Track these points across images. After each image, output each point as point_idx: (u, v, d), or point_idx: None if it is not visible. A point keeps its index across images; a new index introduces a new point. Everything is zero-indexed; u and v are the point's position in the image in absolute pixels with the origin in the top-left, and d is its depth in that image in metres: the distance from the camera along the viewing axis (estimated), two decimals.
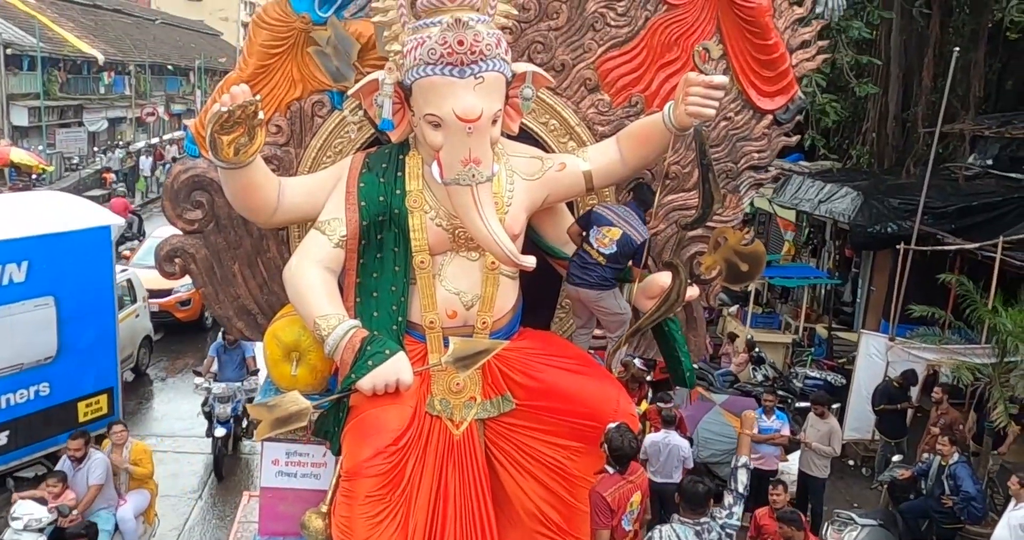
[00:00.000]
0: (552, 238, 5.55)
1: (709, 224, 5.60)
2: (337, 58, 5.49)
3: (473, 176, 4.67)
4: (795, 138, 6.15)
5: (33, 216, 10.05)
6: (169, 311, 16.94)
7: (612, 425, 4.76)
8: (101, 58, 38.46)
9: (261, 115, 4.64)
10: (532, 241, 5.55)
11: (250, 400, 10.88)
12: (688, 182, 5.79)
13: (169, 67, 51.23)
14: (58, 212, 10.57)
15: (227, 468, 10.95)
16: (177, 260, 5.86)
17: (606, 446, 4.74)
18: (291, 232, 5.77)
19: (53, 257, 9.62)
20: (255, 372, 11.17)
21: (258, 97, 4.60)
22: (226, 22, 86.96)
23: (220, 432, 10.71)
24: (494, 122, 4.74)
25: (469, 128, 4.61)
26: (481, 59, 4.60)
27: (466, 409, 5.03)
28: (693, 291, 5.39)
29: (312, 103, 5.68)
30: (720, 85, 4.87)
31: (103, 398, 10.41)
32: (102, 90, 40.40)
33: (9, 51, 31.12)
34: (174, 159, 34.14)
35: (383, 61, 5.09)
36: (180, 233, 5.87)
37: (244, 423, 11.50)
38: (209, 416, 11.14)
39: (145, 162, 33.98)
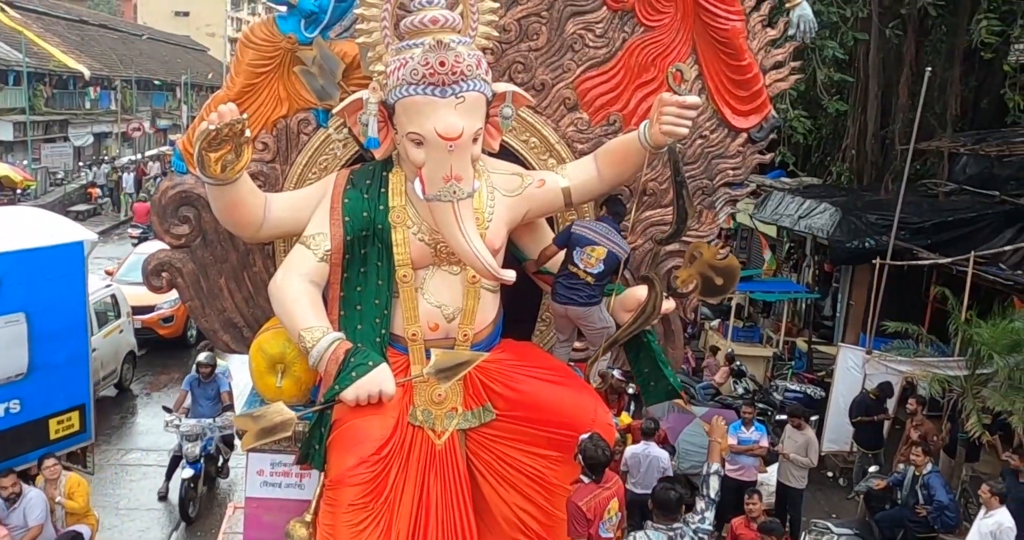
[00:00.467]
0: (532, 252, 5.67)
1: (685, 239, 5.75)
2: (322, 77, 5.63)
3: (454, 192, 4.81)
4: (769, 155, 6.31)
5: (4, 232, 9.89)
6: (152, 328, 16.84)
7: (585, 435, 4.87)
8: (87, 73, 38.47)
9: (248, 133, 4.76)
10: (513, 255, 5.68)
11: (224, 437, 10.64)
12: (665, 198, 5.93)
13: (155, 82, 51.26)
14: (30, 228, 10.42)
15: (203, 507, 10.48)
16: (164, 274, 5.97)
17: (580, 456, 4.84)
18: (277, 246, 5.88)
19: (25, 273, 9.47)
20: (230, 407, 10.54)
21: (245, 116, 4.72)
22: (212, 37, 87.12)
23: (187, 473, 10.14)
24: (475, 140, 4.88)
25: (450, 146, 4.75)
26: (462, 79, 4.74)
27: (448, 419, 5.14)
28: (670, 304, 5.53)
29: (298, 121, 5.81)
30: (693, 105, 5.03)
31: (75, 415, 10.18)
32: (88, 105, 40.37)
33: None
34: (155, 176, 34.15)
35: (367, 80, 5.24)
36: (167, 248, 5.97)
37: (220, 461, 10.97)
38: (176, 459, 10.58)
39: (127, 179, 33.67)
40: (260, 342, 5.46)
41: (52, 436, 9.87)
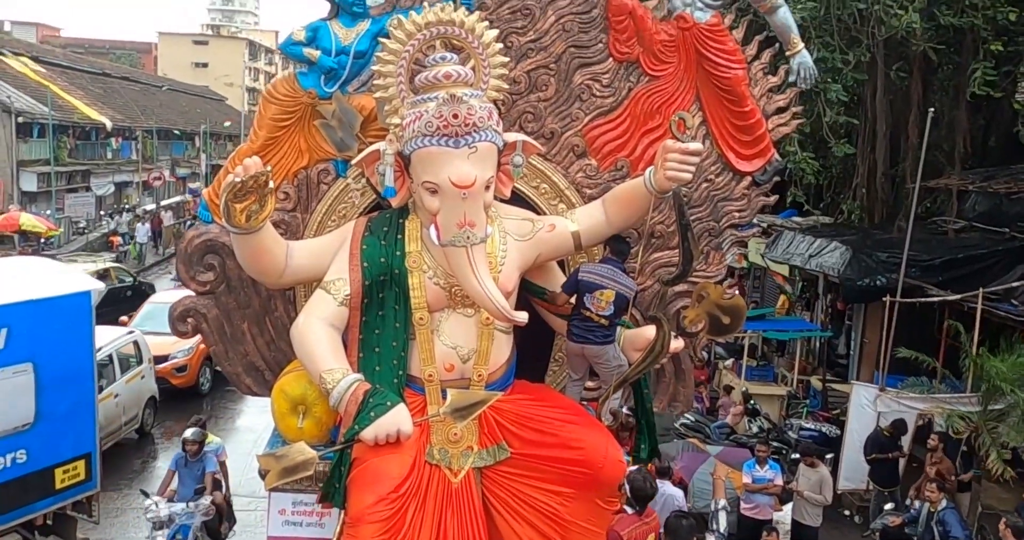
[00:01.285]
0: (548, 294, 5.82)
1: (693, 279, 5.91)
2: (341, 130, 5.86)
3: (468, 238, 4.99)
4: (774, 198, 6.47)
5: (12, 282, 9.99)
6: (165, 377, 17.01)
7: (633, 468, 4.95)
8: (109, 124, 39.29)
9: (271, 184, 4.98)
10: (529, 292, 5.83)
11: (207, 526, 9.92)
12: (672, 240, 6.09)
13: (175, 132, 52.15)
14: (37, 278, 10.52)
15: None
16: (190, 320, 6.16)
17: (627, 487, 4.92)
18: (298, 292, 6.07)
19: (32, 323, 9.54)
20: (202, 491, 9.85)
21: (269, 168, 4.94)
22: (231, 87, 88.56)
23: None
24: (487, 188, 5.07)
25: (464, 194, 4.94)
26: (474, 131, 4.96)
27: (464, 458, 5.27)
28: (678, 343, 5.66)
29: (318, 171, 6.03)
30: (695, 151, 5.21)
31: (81, 464, 10.17)
32: (109, 155, 41.15)
33: (20, 119, 31.83)
34: (174, 225, 34.47)
35: (384, 132, 5.46)
36: (192, 294, 6.18)
37: None
38: None
39: (141, 229, 33.98)
40: (282, 384, 5.63)
41: (58, 486, 9.90)
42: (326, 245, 5.56)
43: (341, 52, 5.85)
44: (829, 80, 12.42)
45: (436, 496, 5.14)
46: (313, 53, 5.83)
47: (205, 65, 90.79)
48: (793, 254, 16.24)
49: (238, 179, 4.77)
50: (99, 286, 11.41)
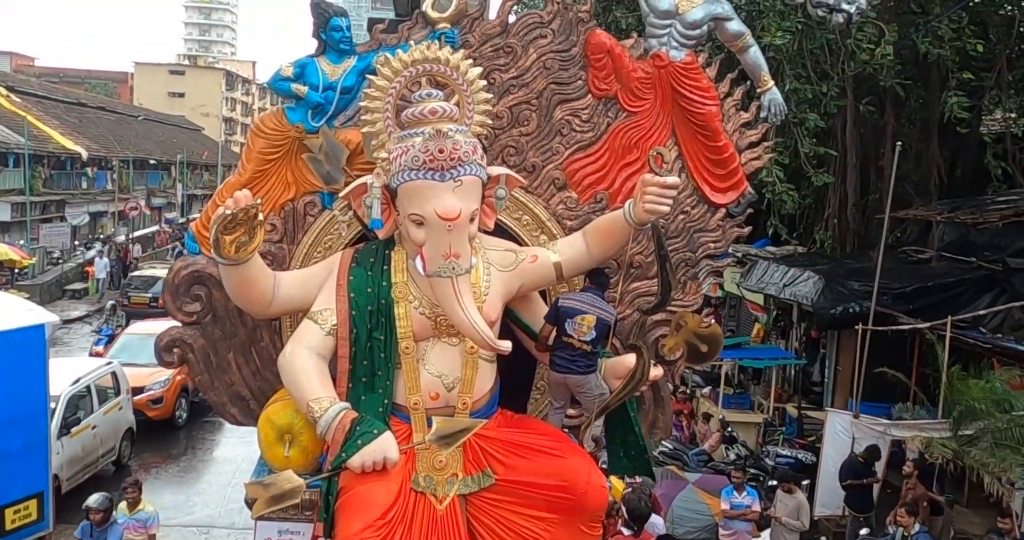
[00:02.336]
0: (528, 320, 5.95)
1: (671, 309, 6.06)
2: (328, 163, 6.00)
3: (453, 269, 5.13)
4: (747, 229, 6.65)
5: None
6: (141, 409, 16.94)
7: (628, 490, 5.02)
8: (85, 154, 39.19)
9: (260, 217, 5.10)
10: (512, 322, 5.96)
11: None
12: (650, 271, 6.25)
13: (151, 161, 52.07)
14: None
15: None
16: (176, 350, 6.23)
17: (623, 507, 5.01)
18: (283, 322, 6.16)
19: None
20: None
21: (259, 201, 5.06)
22: (207, 117, 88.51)
23: None
24: (472, 220, 5.22)
25: (449, 226, 5.09)
26: (459, 165, 5.11)
27: (449, 485, 5.37)
28: (658, 371, 5.80)
29: (304, 203, 6.15)
30: (673, 185, 5.39)
31: (32, 504, 9.90)
32: (85, 185, 41.01)
33: None
34: (136, 259, 33.80)
35: (371, 166, 5.60)
36: (178, 325, 6.26)
37: None
38: None
39: (99, 263, 32.64)
40: (268, 413, 5.70)
41: (8, 526, 9.60)
42: (313, 276, 5.67)
43: (328, 88, 5.99)
44: (806, 109, 12.71)
45: (422, 523, 5.22)
46: (301, 89, 5.96)
47: (181, 95, 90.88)
48: (768, 283, 16.50)
49: (228, 212, 4.89)
50: (53, 319, 11.03)
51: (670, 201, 5.38)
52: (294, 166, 6.12)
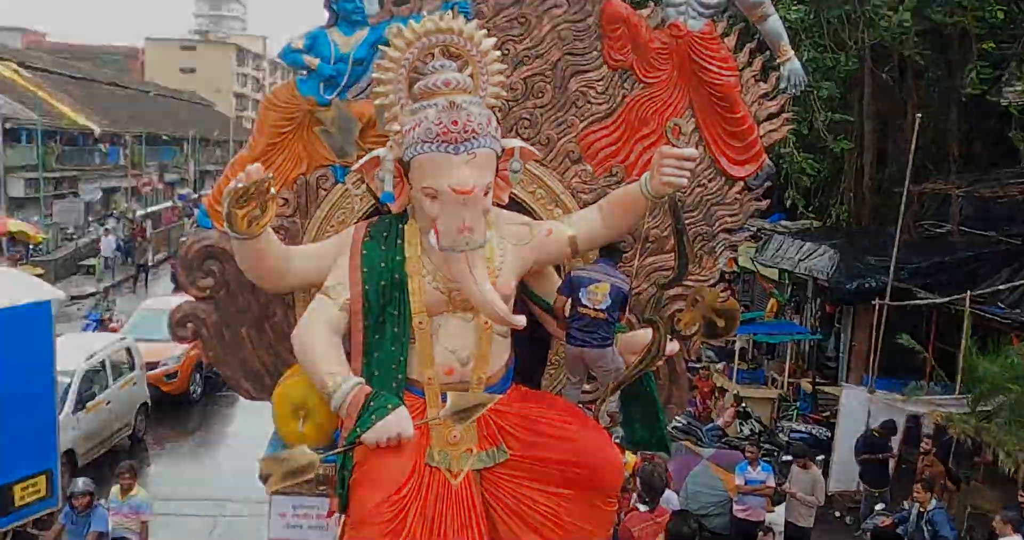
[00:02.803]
0: (543, 295, 5.90)
1: (687, 283, 6.01)
2: (340, 136, 5.94)
3: (467, 243, 5.07)
4: (765, 202, 6.57)
5: None
6: (156, 384, 16.98)
7: (646, 463, 4.98)
8: (97, 130, 39.21)
9: (273, 191, 5.05)
10: (527, 297, 5.91)
11: None
12: (666, 245, 6.18)
13: (163, 137, 52.05)
14: None
15: None
16: (189, 325, 6.22)
17: (637, 480, 4.96)
18: (296, 297, 6.12)
19: None
20: None
21: (271, 175, 5.01)
22: (219, 93, 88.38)
23: None
24: (486, 194, 5.15)
25: (463, 199, 5.02)
26: (473, 137, 5.04)
27: (463, 460, 5.33)
28: (673, 346, 5.74)
29: (317, 177, 6.10)
30: (691, 157, 5.31)
31: (41, 480, 9.87)
32: (97, 160, 41.03)
33: (8, 124, 31.74)
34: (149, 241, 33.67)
35: (383, 138, 5.54)
36: (191, 300, 6.24)
37: None
38: None
39: (106, 242, 32.23)
40: (283, 389, 5.69)
41: (17, 502, 9.65)
42: (326, 250, 5.62)
43: (340, 59, 5.92)
44: (820, 79, 12.56)
45: (437, 498, 5.20)
46: (312, 60, 5.89)
47: (193, 70, 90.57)
48: (783, 258, 16.39)
49: (240, 185, 4.84)
50: (59, 295, 11.02)
51: (688, 173, 5.29)
52: (306, 140, 6.06)
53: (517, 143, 5.43)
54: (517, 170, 5.41)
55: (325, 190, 6.12)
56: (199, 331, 6.23)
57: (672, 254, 6.05)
